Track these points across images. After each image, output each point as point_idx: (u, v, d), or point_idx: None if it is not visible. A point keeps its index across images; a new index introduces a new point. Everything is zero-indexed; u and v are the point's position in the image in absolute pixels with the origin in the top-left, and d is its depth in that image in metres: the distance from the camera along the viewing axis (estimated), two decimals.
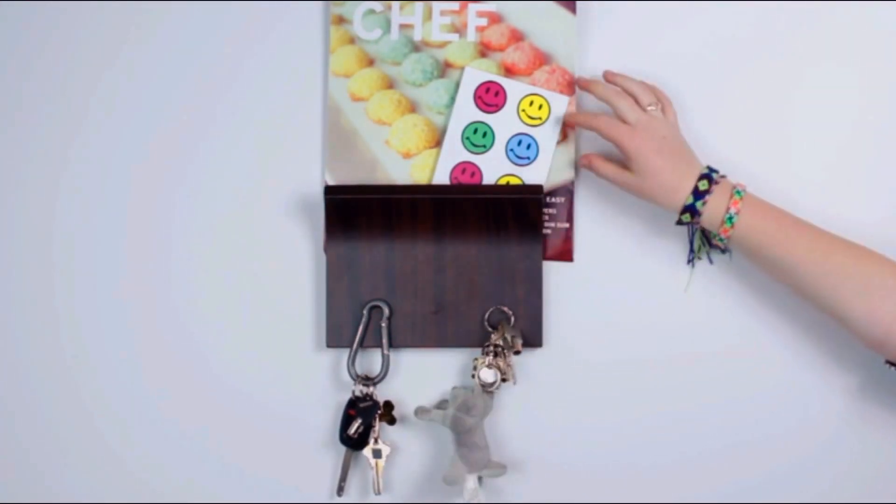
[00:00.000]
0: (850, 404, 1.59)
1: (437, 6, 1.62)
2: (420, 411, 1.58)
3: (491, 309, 1.60)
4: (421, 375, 1.62)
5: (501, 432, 1.61)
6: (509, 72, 1.62)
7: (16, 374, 1.65)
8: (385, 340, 1.60)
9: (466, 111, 1.62)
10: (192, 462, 1.64)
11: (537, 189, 1.58)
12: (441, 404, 1.59)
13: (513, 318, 1.59)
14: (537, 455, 1.61)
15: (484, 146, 1.62)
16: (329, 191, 1.59)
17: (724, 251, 1.56)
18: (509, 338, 1.57)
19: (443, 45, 1.63)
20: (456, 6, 1.63)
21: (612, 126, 1.53)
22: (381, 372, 1.60)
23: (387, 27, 1.63)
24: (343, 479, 1.61)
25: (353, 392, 1.61)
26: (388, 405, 1.61)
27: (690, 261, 1.60)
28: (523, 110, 1.62)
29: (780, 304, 1.59)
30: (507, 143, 1.62)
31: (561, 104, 1.61)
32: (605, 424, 1.62)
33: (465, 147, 1.61)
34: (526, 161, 1.61)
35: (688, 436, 1.61)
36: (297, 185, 1.63)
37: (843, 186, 1.61)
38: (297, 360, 1.63)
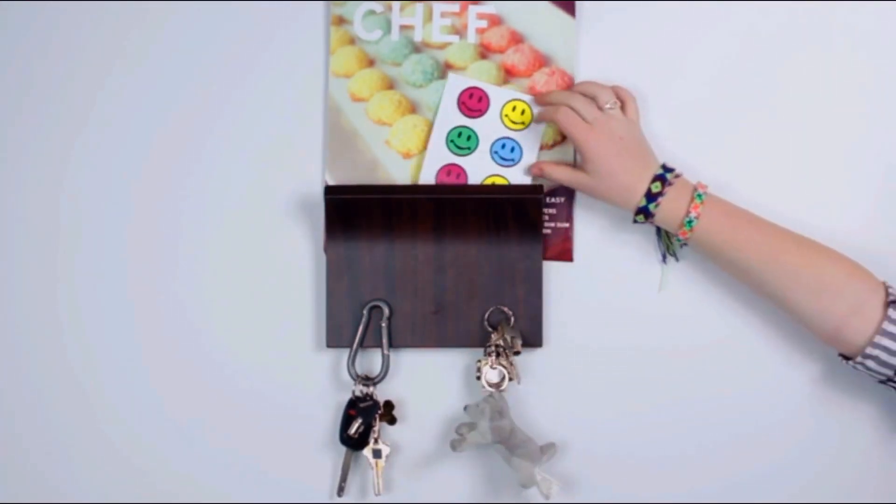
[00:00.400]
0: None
1: (437, 8, 1.63)
2: (456, 444, 1.55)
3: (491, 309, 1.60)
4: (421, 375, 1.62)
5: None
6: (509, 73, 1.62)
7: (19, 372, 1.64)
8: (385, 340, 1.60)
9: (450, 116, 1.62)
10: (192, 461, 1.63)
11: (537, 189, 1.58)
12: (460, 428, 1.57)
13: (513, 318, 1.59)
14: None
15: (468, 148, 1.62)
16: (329, 191, 1.59)
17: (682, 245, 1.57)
18: (509, 338, 1.57)
19: (443, 46, 1.63)
20: (456, 8, 1.63)
21: (571, 121, 1.54)
22: (381, 372, 1.60)
23: (387, 28, 1.63)
24: (343, 479, 1.60)
25: (353, 392, 1.61)
26: (388, 405, 1.61)
27: (663, 259, 1.60)
28: (506, 115, 1.62)
29: None
30: (492, 146, 1.62)
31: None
32: (605, 424, 1.62)
33: (450, 149, 1.62)
34: (510, 163, 1.62)
35: (688, 433, 1.61)
36: (298, 185, 1.63)
37: (840, 193, 1.62)
38: (297, 360, 1.63)
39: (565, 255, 1.62)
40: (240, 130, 1.63)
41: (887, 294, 1.48)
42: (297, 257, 1.63)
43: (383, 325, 1.60)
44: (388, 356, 1.60)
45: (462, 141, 1.62)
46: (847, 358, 1.51)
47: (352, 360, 1.60)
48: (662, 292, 1.61)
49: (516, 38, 1.63)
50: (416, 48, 1.63)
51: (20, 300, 1.64)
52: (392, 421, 1.61)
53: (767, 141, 1.62)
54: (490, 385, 1.57)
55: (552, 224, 1.62)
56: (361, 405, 1.60)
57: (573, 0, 1.61)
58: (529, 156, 1.61)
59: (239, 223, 1.63)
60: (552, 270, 1.62)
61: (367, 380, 1.61)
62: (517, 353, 1.58)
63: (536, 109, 1.61)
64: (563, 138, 1.62)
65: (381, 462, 1.60)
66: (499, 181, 1.61)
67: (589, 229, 1.62)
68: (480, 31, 1.63)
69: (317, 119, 1.63)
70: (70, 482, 1.65)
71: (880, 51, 1.62)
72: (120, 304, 1.64)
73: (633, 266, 1.61)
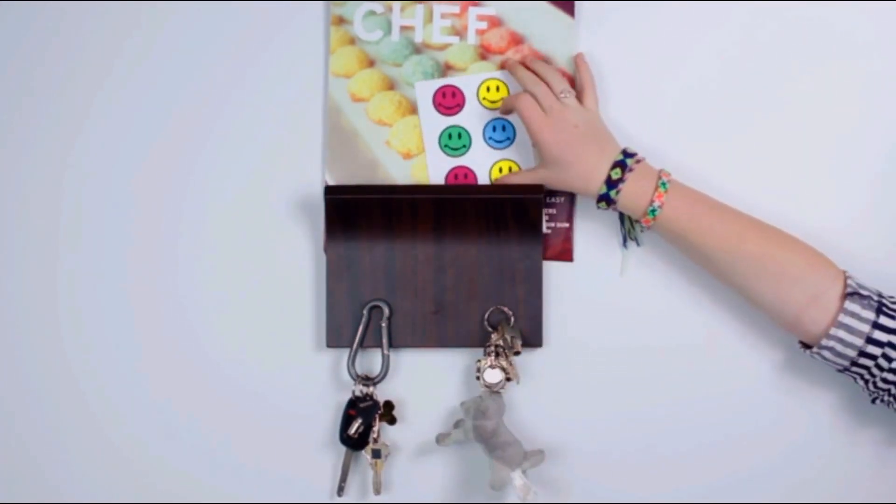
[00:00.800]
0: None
1: (437, 9, 1.63)
2: (441, 438, 1.58)
3: (491, 309, 1.60)
4: (421, 375, 1.62)
5: None
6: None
7: (18, 373, 1.64)
8: (385, 340, 1.60)
9: (434, 121, 1.62)
10: (192, 461, 1.63)
11: (537, 189, 1.58)
12: (458, 424, 1.58)
13: (513, 318, 1.59)
14: None
15: (463, 146, 1.62)
16: (329, 191, 1.59)
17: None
18: (509, 338, 1.57)
19: (443, 47, 1.63)
20: (456, 9, 1.63)
21: (530, 112, 1.54)
22: (381, 372, 1.60)
23: (387, 28, 1.63)
24: (343, 479, 1.60)
25: (353, 392, 1.61)
26: (388, 405, 1.61)
27: (624, 243, 1.61)
28: (484, 98, 1.62)
29: None
30: (483, 132, 1.62)
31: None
32: (605, 424, 1.62)
33: (447, 153, 1.62)
34: (507, 143, 1.62)
35: (688, 431, 1.61)
36: (298, 185, 1.63)
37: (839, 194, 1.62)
38: (297, 360, 1.63)
39: (565, 255, 1.62)
40: (240, 130, 1.64)
41: (846, 285, 1.49)
42: (297, 257, 1.63)
43: (383, 325, 1.60)
44: (388, 356, 1.60)
45: (455, 142, 1.63)
46: (807, 346, 1.52)
47: (352, 360, 1.60)
48: (664, 293, 1.61)
49: (516, 39, 1.63)
50: (417, 49, 1.63)
51: (20, 300, 1.64)
52: (392, 421, 1.61)
53: (767, 141, 1.62)
54: (485, 385, 1.57)
55: (552, 224, 1.62)
56: (361, 405, 1.60)
57: (573, 0, 1.62)
58: (522, 129, 1.61)
59: (239, 223, 1.63)
60: (552, 270, 1.62)
61: (367, 380, 1.61)
62: (517, 353, 1.58)
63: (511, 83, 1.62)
64: None
65: (381, 462, 1.60)
66: (507, 165, 1.62)
67: (589, 229, 1.62)
68: (480, 33, 1.63)
69: (317, 119, 1.64)
70: (70, 482, 1.65)
71: (876, 51, 1.62)
72: (120, 304, 1.64)
73: (634, 266, 1.61)
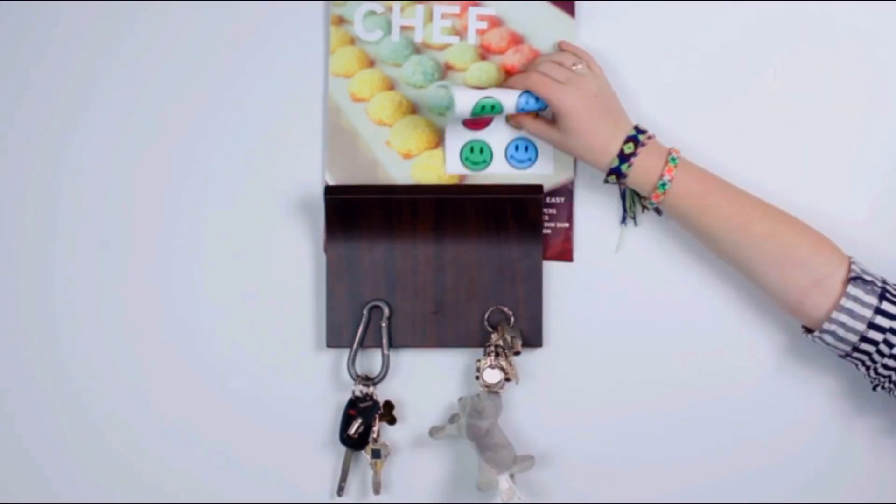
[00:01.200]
0: None
1: (437, 9, 1.63)
2: (434, 431, 1.58)
3: (491, 309, 1.60)
4: (421, 375, 1.62)
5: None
6: (509, 74, 1.62)
7: (16, 373, 1.64)
8: (385, 340, 1.60)
9: (457, 133, 1.62)
10: (192, 462, 1.63)
11: (537, 189, 1.59)
12: (453, 418, 1.58)
13: (513, 318, 1.59)
14: (537, 455, 1.60)
15: (484, 161, 1.62)
16: (329, 191, 1.59)
17: (658, 213, 1.58)
18: (509, 338, 1.57)
19: (443, 47, 1.63)
20: (456, 9, 1.63)
21: (544, 83, 1.53)
22: (381, 372, 1.60)
23: (387, 29, 1.63)
24: (343, 479, 1.60)
25: (353, 392, 1.61)
26: (388, 405, 1.61)
27: (623, 220, 1.61)
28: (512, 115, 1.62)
29: None
30: (506, 150, 1.62)
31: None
32: (605, 424, 1.62)
33: (467, 166, 1.62)
34: (528, 163, 1.62)
35: (689, 432, 1.61)
36: (298, 185, 1.63)
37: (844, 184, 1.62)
38: (297, 360, 1.63)
39: (565, 255, 1.62)
40: (239, 130, 1.64)
41: (850, 270, 1.49)
42: (297, 257, 1.63)
43: (383, 325, 1.60)
44: (388, 356, 1.60)
45: (476, 156, 1.62)
46: (809, 331, 1.51)
47: (352, 360, 1.60)
48: (663, 293, 1.61)
49: (516, 39, 1.63)
50: (417, 49, 1.63)
51: (17, 300, 1.64)
52: (392, 421, 1.61)
53: (768, 140, 1.62)
54: (488, 385, 1.57)
55: (552, 224, 1.62)
56: (361, 405, 1.60)
57: (573, 0, 1.62)
58: (545, 149, 1.61)
59: (239, 223, 1.63)
60: (552, 270, 1.62)
61: (367, 380, 1.61)
62: (517, 353, 1.58)
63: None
64: None
65: (381, 462, 1.60)
66: None
67: (589, 229, 1.62)
68: (480, 33, 1.63)
69: (317, 119, 1.64)
70: (70, 482, 1.64)
71: (880, 44, 1.62)
72: (118, 304, 1.64)
73: (634, 266, 1.61)
